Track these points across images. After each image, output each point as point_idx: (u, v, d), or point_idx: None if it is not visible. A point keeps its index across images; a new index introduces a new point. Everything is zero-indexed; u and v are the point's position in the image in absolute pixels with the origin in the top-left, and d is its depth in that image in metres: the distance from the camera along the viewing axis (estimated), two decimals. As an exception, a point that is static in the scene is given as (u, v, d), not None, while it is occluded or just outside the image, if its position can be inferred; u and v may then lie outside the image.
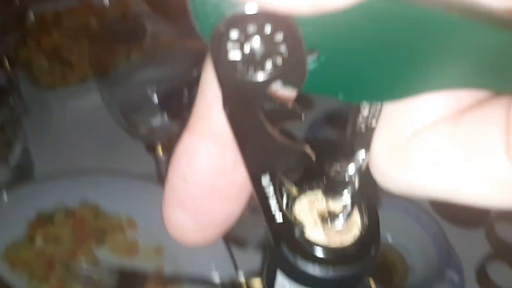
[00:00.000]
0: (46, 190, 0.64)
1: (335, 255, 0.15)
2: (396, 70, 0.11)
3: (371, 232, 0.16)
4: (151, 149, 0.61)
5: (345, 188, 0.15)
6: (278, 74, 0.11)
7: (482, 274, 0.61)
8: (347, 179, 0.15)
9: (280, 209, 0.15)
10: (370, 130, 0.13)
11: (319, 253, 0.15)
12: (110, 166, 0.68)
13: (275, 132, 0.13)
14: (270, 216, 0.15)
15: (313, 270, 0.15)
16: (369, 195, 0.16)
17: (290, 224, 0.15)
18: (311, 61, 0.11)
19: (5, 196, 0.63)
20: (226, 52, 0.11)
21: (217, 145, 0.15)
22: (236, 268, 0.58)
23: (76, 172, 0.67)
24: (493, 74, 0.11)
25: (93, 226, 0.61)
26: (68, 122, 0.76)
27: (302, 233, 0.15)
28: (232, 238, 0.61)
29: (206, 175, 0.16)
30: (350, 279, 0.16)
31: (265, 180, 0.15)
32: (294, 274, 0.16)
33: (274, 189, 0.15)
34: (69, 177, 0.66)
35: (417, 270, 0.59)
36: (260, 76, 0.12)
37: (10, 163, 0.64)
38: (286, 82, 0.12)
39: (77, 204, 0.63)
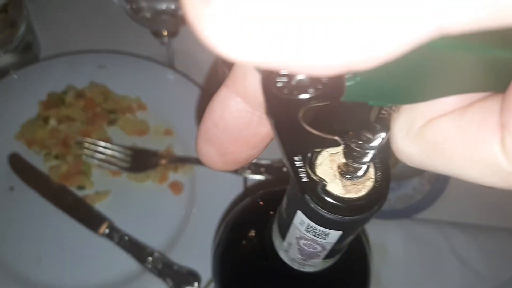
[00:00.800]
0: (54, 71, 0.65)
1: (348, 205, 0.18)
2: (419, 85, 0.13)
3: (382, 186, 0.18)
4: (157, 34, 0.60)
5: (365, 156, 0.17)
6: (319, 95, 0.13)
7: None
8: (368, 151, 0.17)
9: (307, 172, 0.17)
10: (389, 116, 0.15)
11: (335, 203, 0.18)
12: (116, 49, 0.69)
13: (311, 129, 0.15)
14: (298, 177, 0.17)
15: (329, 215, 0.18)
16: (384, 153, 0.18)
17: (314, 181, 0.18)
18: (347, 80, 0.13)
19: (15, 76, 0.64)
20: (275, 82, 0.13)
21: (247, 103, 0.17)
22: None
23: (81, 54, 0.67)
24: (493, 80, 0.13)
25: (103, 107, 0.63)
26: (71, 6, 0.74)
27: (323, 187, 0.18)
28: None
29: (234, 125, 0.18)
30: (359, 222, 0.19)
31: (297, 157, 0.17)
32: (313, 216, 0.19)
33: (303, 161, 0.17)
34: (76, 58, 0.66)
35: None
36: (304, 96, 0.13)
37: (16, 44, 0.64)
38: (325, 100, 0.13)
39: (86, 86, 0.64)
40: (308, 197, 0.18)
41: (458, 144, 0.13)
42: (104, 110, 0.63)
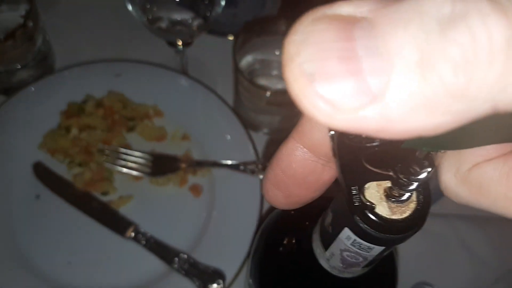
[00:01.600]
0: (72, 80, 0.67)
1: (394, 226, 0.21)
2: (466, 137, 0.16)
3: (424, 208, 0.21)
4: (172, 44, 0.62)
5: (411, 186, 0.20)
6: (383, 143, 0.16)
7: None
8: (413, 184, 0.19)
9: (359, 198, 0.20)
10: (436, 155, 0.18)
11: (382, 223, 0.21)
12: (129, 57, 0.71)
13: (371, 168, 0.18)
14: (351, 202, 0.20)
15: (376, 234, 0.21)
16: (426, 183, 0.21)
17: (364, 204, 0.20)
18: None
19: (31, 88, 0.66)
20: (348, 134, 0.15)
21: (312, 153, 0.20)
22: (256, 153, 0.64)
23: (96, 63, 0.69)
24: None
25: (122, 114, 0.66)
26: (83, 16, 0.76)
27: (372, 209, 0.21)
28: (249, 124, 0.67)
29: (300, 173, 0.21)
30: (402, 239, 0.21)
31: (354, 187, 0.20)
32: (360, 233, 0.22)
33: (358, 190, 0.20)
34: (92, 68, 0.69)
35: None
36: (371, 144, 0.16)
37: (33, 55, 0.66)
38: (388, 147, 0.16)
39: (104, 94, 0.67)
40: (358, 218, 0.21)
41: (502, 187, 0.16)
42: (122, 117, 0.66)
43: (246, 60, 0.66)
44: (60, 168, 0.63)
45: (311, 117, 0.13)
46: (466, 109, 0.12)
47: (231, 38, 0.74)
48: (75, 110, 0.65)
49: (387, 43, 0.12)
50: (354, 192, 0.20)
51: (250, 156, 0.64)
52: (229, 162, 0.63)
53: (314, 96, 0.12)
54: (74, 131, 0.64)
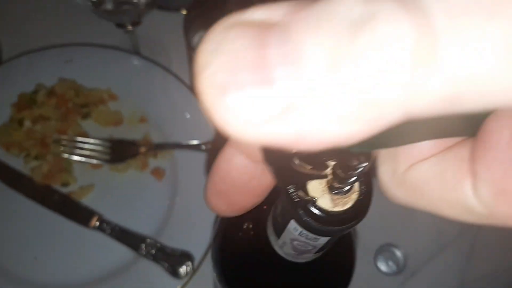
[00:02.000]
0: (21, 71, 0.65)
1: (336, 218, 0.21)
2: (394, 135, 0.15)
3: (366, 198, 0.21)
4: (120, 25, 0.60)
5: (350, 180, 0.20)
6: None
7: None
8: (352, 178, 0.19)
9: (297, 194, 0.20)
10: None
11: (325, 216, 0.21)
12: (78, 41, 0.68)
13: (303, 169, 0.18)
14: (290, 199, 0.20)
15: (320, 227, 0.21)
16: (367, 173, 0.21)
17: (305, 199, 0.20)
18: None
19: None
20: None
21: (250, 159, 0.20)
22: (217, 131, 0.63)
23: (45, 50, 0.67)
24: (466, 128, 0.15)
25: (75, 102, 0.64)
26: (31, 2, 0.73)
27: (314, 203, 0.20)
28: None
29: (240, 179, 0.20)
30: (346, 230, 0.22)
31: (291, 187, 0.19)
32: (305, 225, 0.22)
33: (295, 188, 0.20)
34: (40, 56, 0.66)
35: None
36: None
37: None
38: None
39: (55, 82, 0.64)
40: (300, 212, 0.21)
41: (436, 188, 0.15)
42: (76, 105, 0.64)
43: (200, 36, 0.65)
44: (16, 162, 0.61)
45: (224, 131, 0.12)
46: (377, 117, 0.11)
47: (184, 12, 0.72)
48: (26, 102, 0.63)
49: (299, 49, 0.11)
50: (291, 190, 0.20)
51: (211, 135, 0.63)
52: (190, 142, 0.63)
53: (225, 109, 0.12)
54: (27, 124, 0.62)
